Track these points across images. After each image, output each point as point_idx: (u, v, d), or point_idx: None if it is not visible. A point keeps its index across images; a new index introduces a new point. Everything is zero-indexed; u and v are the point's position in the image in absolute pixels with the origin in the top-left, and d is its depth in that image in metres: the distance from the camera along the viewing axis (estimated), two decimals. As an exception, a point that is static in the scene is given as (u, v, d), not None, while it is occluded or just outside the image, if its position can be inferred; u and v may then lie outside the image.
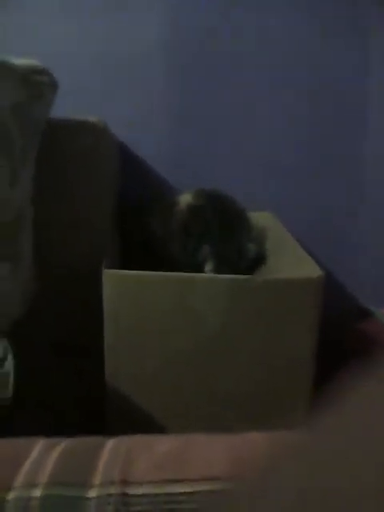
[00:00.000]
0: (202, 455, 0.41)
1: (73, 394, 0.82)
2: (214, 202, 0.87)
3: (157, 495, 0.37)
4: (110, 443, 0.44)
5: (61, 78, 0.76)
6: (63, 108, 0.79)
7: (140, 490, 0.37)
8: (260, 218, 0.99)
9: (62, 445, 0.44)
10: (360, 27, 1.03)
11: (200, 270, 0.83)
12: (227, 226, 0.86)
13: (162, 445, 0.43)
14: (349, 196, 1.09)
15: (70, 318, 0.85)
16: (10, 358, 0.67)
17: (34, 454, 0.41)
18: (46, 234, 0.80)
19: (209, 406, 0.72)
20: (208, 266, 0.83)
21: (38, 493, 0.37)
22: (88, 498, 0.36)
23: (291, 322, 0.68)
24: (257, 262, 0.88)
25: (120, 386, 0.71)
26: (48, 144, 0.77)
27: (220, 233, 0.85)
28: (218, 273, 0.80)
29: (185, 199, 0.88)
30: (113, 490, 0.37)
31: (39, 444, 0.44)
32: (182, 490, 0.37)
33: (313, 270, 0.69)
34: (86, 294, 0.77)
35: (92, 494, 0.37)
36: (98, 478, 0.38)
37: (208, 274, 0.81)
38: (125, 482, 0.38)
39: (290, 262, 0.81)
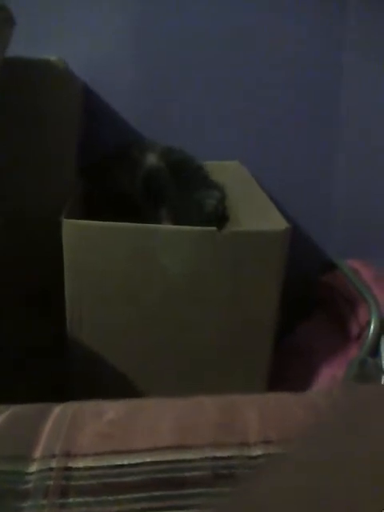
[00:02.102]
0: (149, 423, 0.40)
1: (34, 343, 0.80)
2: (174, 162, 0.87)
3: (100, 468, 0.36)
4: (56, 410, 0.43)
5: (19, 13, 0.68)
6: (21, 46, 0.71)
7: (83, 463, 0.36)
8: (227, 167, 0.96)
9: (5, 413, 0.42)
10: (336, 25, 0.97)
11: None
12: (185, 185, 0.85)
13: (108, 411, 0.42)
14: (321, 146, 1.05)
15: (33, 267, 0.82)
16: None
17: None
18: (4, 181, 0.76)
19: (173, 359, 0.71)
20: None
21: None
22: (27, 473, 0.35)
23: (256, 275, 0.68)
24: (217, 218, 0.86)
25: (82, 338, 0.69)
26: (3, 84, 0.70)
27: (178, 193, 0.84)
28: None
29: (148, 160, 0.88)
30: (54, 464, 0.36)
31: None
32: (127, 462, 0.36)
33: (279, 223, 0.68)
34: (48, 243, 0.74)
35: (32, 468, 0.35)
36: (39, 451, 0.37)
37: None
38: (68, 455, 0.37)
39: (257, 213, 0.79)
